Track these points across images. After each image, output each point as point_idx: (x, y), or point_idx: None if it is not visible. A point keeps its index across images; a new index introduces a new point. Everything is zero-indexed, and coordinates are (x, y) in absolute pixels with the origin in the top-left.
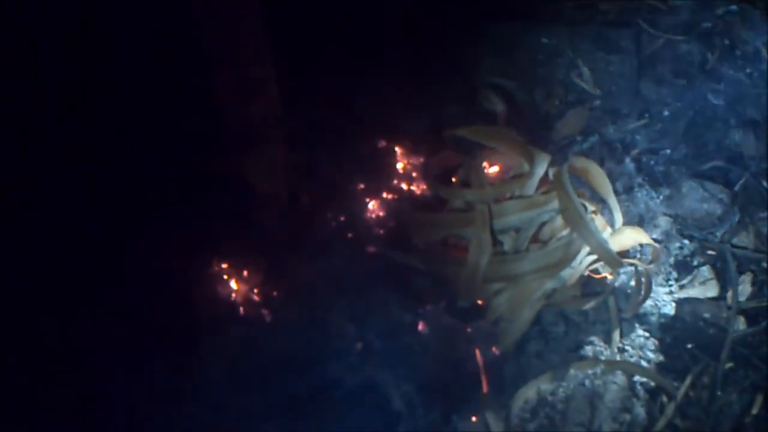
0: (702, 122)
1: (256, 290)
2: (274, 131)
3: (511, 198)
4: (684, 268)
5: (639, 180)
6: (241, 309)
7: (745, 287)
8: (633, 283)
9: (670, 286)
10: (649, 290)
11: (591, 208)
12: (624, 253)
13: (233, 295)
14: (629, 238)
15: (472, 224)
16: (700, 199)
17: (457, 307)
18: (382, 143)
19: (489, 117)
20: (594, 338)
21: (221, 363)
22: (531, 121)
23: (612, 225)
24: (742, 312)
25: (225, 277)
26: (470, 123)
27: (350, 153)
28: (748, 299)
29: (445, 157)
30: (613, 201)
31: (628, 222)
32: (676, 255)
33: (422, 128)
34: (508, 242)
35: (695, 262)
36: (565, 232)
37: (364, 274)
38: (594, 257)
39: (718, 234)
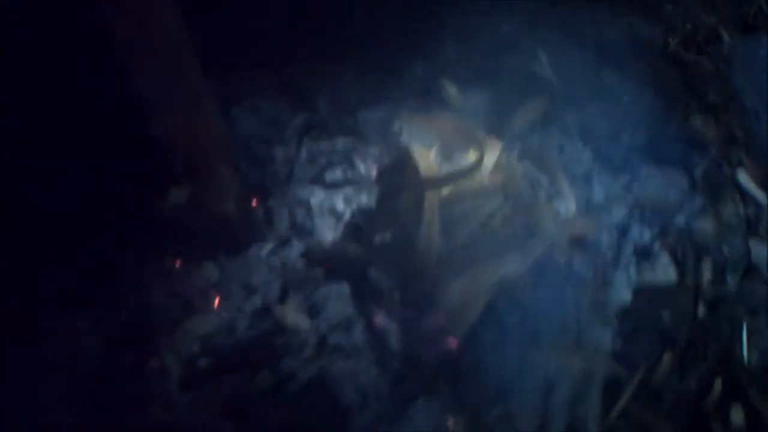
0: (662, 108)
1: (208, 286)
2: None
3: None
4: (644, 255)
5: (598, 167)
6: (195, 305)
7: (705, 273)
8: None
9: (630, 273)
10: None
11: (544, 195)
12: (577, 241)
13: (186, 291)
14: (580, 227)
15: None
16: (660, 185)
17: (411, 299)
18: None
19: (448, 108)
20: (550, 326)
21: (176, 360)
22: (491, 110)
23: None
24: (703, 298)
25: (177, 274)
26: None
27: (306, 149)
28: (708, 284)
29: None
30: (565, 188)
31: (587, 209)
32: (636, 242)
33: (380, 121)
34: (459, 231)
35: (655, 249)
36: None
37: (319, 268)
38: (547, 243)
39: (679, 220)
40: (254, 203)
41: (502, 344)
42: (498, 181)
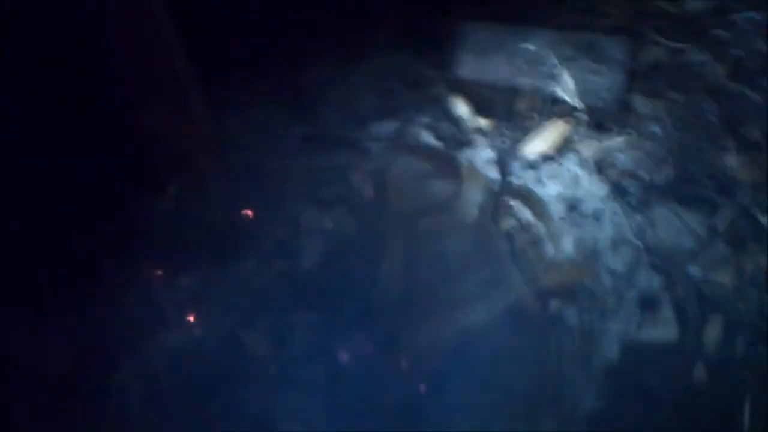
0: (694, 143)
1: (185, 300)
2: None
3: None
4: (648, 306)
5: (612, 203)
6: (168, 318)
7: (713, 331)
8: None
9: (627, 324)
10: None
11: (526, 237)
12: (565, 287)
13: (162, 303)
14: (567, 274)
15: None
16: (676, 229)
17: (376, 337)
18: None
19: (458, 127)
20: (524, 379)
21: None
22: (503, 134)
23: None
24: (704, 360)
25: (156, 283)
26: (439, 130)
27: (302, 162)
28: (715, 345)
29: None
30: (553, 232)
31: (593, 248)
32: (641, 290)
33: (391, 134)
34: (425, 270)
35: (660, 300)
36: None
37: (290, 294)
38: (512, 296)
39: (693, 270)
40: (242, 215)
41: (468, 394)
42: (475, 217)
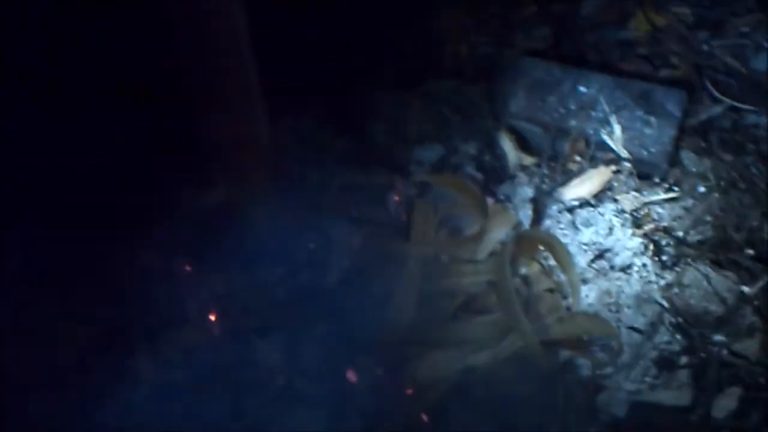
0: (737, 207)
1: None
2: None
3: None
4: (664, 367)
5: (642, 258)
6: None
7: (730, 402)
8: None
9: (641, 383)
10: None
11: (546, 284)
12: (578, 340)
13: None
14: (582, 327)
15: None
16: (704, 293)
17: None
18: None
19: (501, 162)
20: (527, 422)
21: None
22: (543, 174)
23: (568, 308)
24: (716, 430)
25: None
26: (482, 162)
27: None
28: (727, 417)
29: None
30: (573, 282)
31: (615, 302)
32: (662, 350)
33: (434, 160)
34: (437, 306)
35: (678, 363)
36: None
37: (308, 307)
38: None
39: (717, 337)
40: (277, 222)
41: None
42: (494, 257)
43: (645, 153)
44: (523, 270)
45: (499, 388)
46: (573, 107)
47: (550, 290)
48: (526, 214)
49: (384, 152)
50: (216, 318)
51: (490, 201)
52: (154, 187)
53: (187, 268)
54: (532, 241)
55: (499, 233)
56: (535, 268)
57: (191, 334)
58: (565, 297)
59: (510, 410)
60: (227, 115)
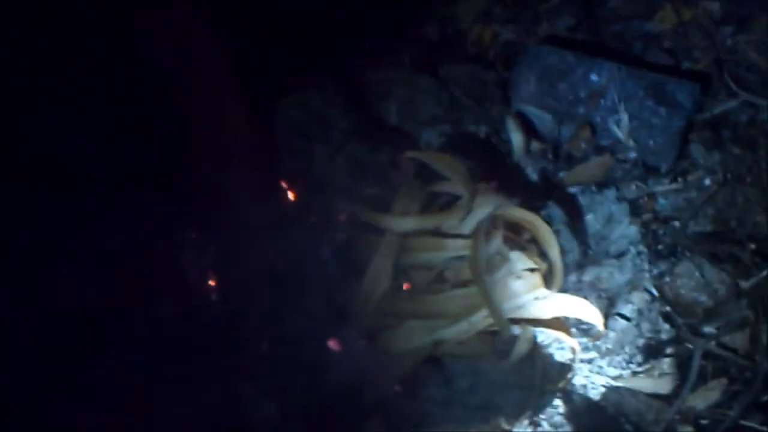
0: (742, 201)
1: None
2: None
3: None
4: (650, 354)
5: (638, 248)
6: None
7: (713, 393)
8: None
9: (622, 369)
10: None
11: (527, 264)
12: (557, 322)
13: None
14: (562, 308)
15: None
16: (695, 285)
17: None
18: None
19: (510, 143)
20: (505, 402)
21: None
22: (546, 158)
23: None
24: (694, 420)
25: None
26: (488, 144)
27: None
28: (708, 408)
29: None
30: (556, 263)
31: (603, 290)
32: (648, 339)
33: (440, 141)
34: (413, 278)
35: (664, 352)
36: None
37: (300, 277)
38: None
39: (706, 329)
40: (280, 196)
41: (449, 406)
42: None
43: (651, 143)
44: (504, 247)
45: (474, 363)
46: (582, 95)
47: (531, 270)
48: (527, 198)
49: (392, 132)
50: (211, 286)
51: (481, 182)
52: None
53: (191, 234)
54: (514, 219)
55: (483, 211)
56: (517, 246)
57: (188, 301)
58: (546, 277)
59: (485, 386)
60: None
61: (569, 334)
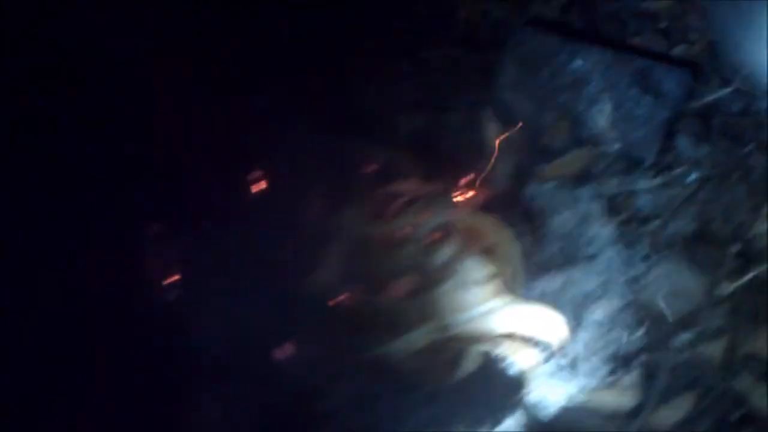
0: (728, 199)
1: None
2: None
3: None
4: (618, 365)
5: (614, 247)
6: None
7: (679, 410)
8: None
9: (587, 381)
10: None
11: (484, 272)
12: (515, 334)
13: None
14: (520, 319)
15: None
16: (670, 290)
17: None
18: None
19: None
20: (458, 420)
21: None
22: (527, 149)
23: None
24: None
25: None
26: (463, 135)
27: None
28: (676, 424)
29: None
30: (515, 271)
31: (572, 295)
32: (618, 348)
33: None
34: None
35: (633, 362)
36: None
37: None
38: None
39: (682, 338)
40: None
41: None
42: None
43: (635, 135)
44: (459, 255)
45: (428, 376)
46: (565, 82)
47: (488, 277)
48: (501, 192)
49: (368, 119)
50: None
51: (436, 185)
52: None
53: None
54: (470, 225)
55: (437, 217)
56: (477, 252)
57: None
58: (506, 286)
59: (437, 401)
60: None
61: (529, 346)
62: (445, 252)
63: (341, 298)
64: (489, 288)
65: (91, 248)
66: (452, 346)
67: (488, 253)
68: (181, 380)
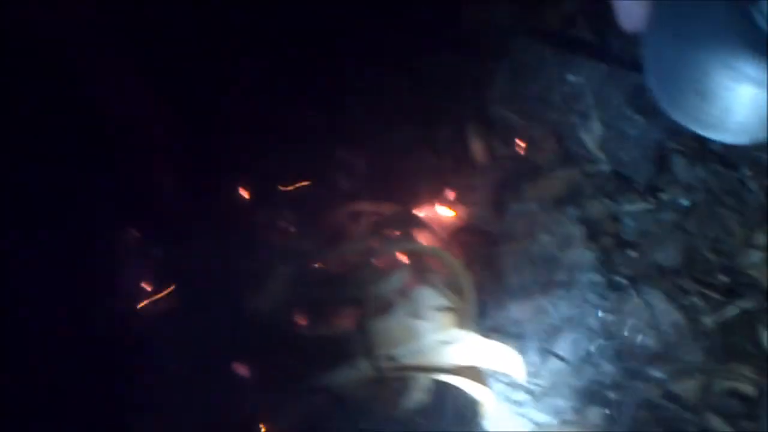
0: (719, 227)
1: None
2: None
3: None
4: (582, 404)
5: (591, 275)
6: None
7: None
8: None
9: (550, 417)
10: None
11: (437, 302)
12: (467, 369)
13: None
14: (473, 353)
15: None
16: (646, 323)
17: None
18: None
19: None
20: None
21: None
22: (511, 167)
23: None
24: None
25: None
26: (448, 147)
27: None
28: None
29: None
30: (467, 303)
31: (542, 325)
32: (584, 384)
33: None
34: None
35: (598, 400)
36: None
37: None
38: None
39: (651, 372)
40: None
41: None
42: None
43: (624, 156)
44: (412, 284)
45: (375, 405)
46: (556, 97)
47: (442, 308)
48: (483, 210)
49: (354, 129)
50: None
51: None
52: None
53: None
54: (426, 254)
55: (395, 244)
56: (428, 283)
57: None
58: (461, 318)
59: (388, 429)
60: None
61: (485, 379)
62: (398, 279)
63: (288, 321)
64: (443, 319)
65: (42, 257)
66: (401, 375)
67: (443, 284)
68: (124, 394)
